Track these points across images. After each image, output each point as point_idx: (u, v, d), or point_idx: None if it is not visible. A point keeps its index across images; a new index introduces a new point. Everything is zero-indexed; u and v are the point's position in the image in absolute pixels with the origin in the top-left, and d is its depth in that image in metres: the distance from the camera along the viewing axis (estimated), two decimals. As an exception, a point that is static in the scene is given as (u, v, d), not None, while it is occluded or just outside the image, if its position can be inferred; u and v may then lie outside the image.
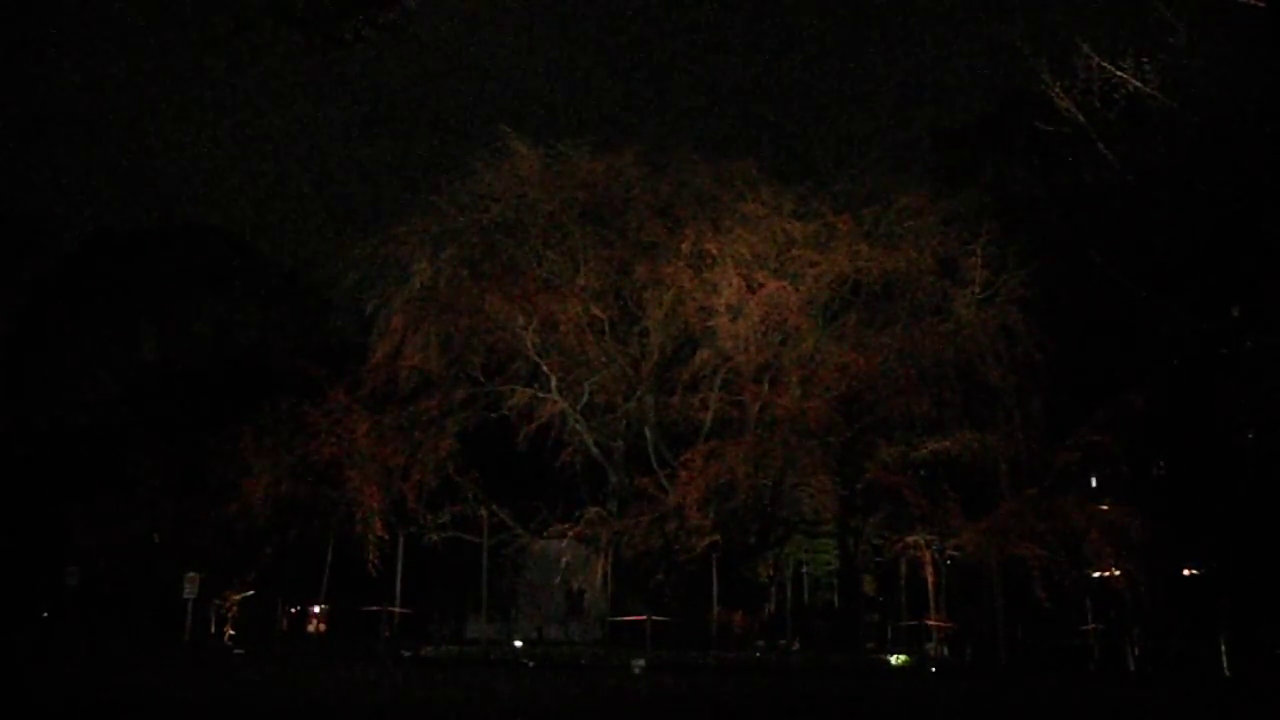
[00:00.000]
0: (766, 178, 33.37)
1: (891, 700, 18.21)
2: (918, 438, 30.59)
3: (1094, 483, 32.00)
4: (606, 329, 33.02)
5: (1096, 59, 20.00)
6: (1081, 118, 21.06)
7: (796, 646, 36.48)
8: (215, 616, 36.44)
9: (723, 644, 31.44)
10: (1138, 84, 19.71)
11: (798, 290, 31.38)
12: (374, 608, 33.33)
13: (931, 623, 30.79)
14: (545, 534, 32.17)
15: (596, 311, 32.45)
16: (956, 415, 30.22)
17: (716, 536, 30.07)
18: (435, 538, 32.15)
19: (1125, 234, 31.06)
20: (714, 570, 30.39)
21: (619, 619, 32.99)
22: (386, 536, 30.00)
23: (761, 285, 31.07)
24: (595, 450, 33.22)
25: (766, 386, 31.15)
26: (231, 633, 36.07)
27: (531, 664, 27.53)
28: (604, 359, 32.57)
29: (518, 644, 33.81)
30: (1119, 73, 19.82)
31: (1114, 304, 30.15)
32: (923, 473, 31.41)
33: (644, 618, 30.08)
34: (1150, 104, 20.16)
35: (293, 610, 43.57)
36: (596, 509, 31.28)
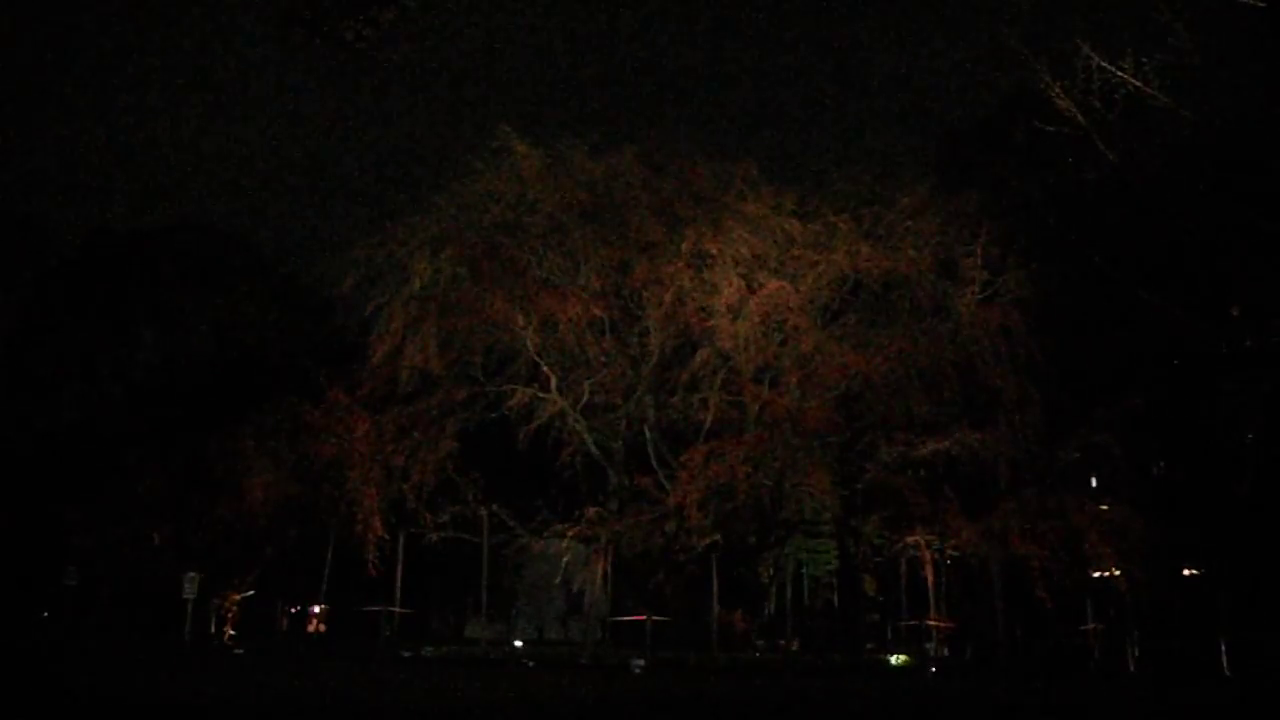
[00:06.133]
0: (766, 178, 33.47)
1: (891, 700, 18.21)
2: (918, 438, 30.58)
3: (1094, 483, 31.98)
4: (606, 329, 33.04)
5: (1096, 59, 19.98)
6: (1081, 118, 21.04)
7: (796, 646, 36.51)
8: (215, 616, 36.41)
9: (723, 644, 31.45)
10: (1138, 84, 19.69)
11: (798, 290, 31.39)
12: (374, 608, 33.35)
13: (931, 623, 30.81)
14: (545, 534, 32.20)
15: (596, 311, 32.46)
16: (956, 415, 30.22)
17: (716, 536, 30.10)
18: (435, 538, 32.17)
19: (1125, 234, 31.06)
20: (714, 570, 30.41)
21: (619, 619, 33.03)
22: (386, 536, 30.05)
23: (761, 285, 31.09)
24: (595, 450, 33.24)
25: (766, 386, 31.16)
26: (231, 633, 36.04)
27: (531, 664, 27.53)
28: (604, 359, 32.59)
29: (518, 644, 33.83)
30: (1119, 73, 19.80)
31: (1114, 304, 30.15)
32: (923, 473, 31.40)
33: (644, 618, 30.10)
34: (1150, 104, 20.15)
35: (293, 610, 43.58)
36: (596, 509, 31.30)
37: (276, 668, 23.39)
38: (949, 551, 29.84)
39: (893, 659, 30.34)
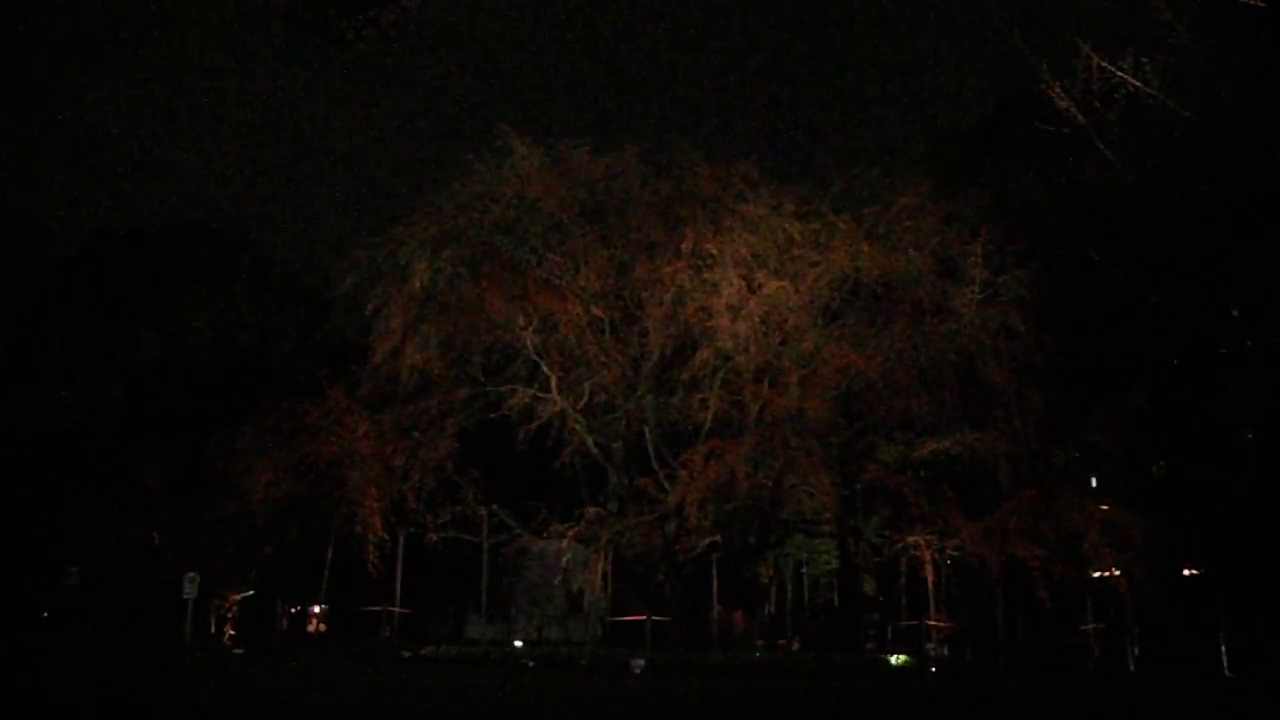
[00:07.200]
0: (766, 178, 33.37)
1: (891, 700, 18.22)
2: (918, 438, 30.59)
3: (1094, 483, 31.97)
4: (606, 329, 33.03)
5: (1096, 59, 19.99)
6: (1081, 118, 21.05)
7: (796, 646, 36.53)
8: (215, 616, 36.44)
9: (723, 644, 31.47)
10: (1138, 84, 19.70)
11: (798, 290, 31.37)
12: (374, 608, 33.37)
13: (931, 623, 30.81)
14: (545, 534, 32.17)
15: (596, 311, 32.46)
16: (956, 415, 30.21)
17: (716, 536, 30.10)
18: (435, 538, 32.15)
19: (1125, 234, 31.03)
20: (714, 570, 30.41)
21: (619, 619, 33.04)
22: (386, 536, 30.02)
23: (761, 285, 31.07)
24: (595, 450, 33.22)
25: (766, 386, 31.14)
26: (231, 633, 36.07)
27: (531, 664, 27.53)
28: (604, 359, 32.57)
29: (518, 644, 33.83)
30: (1119, 73, 19.82)
31: (1114, 304, 30.15)
32: (923, 473, 31.39)
33: (644, 618, 30.12)
34: (1150, 104, 20.15)
35: (293, 610, 43.57)
36: (596, 509, 31.30)
37: (277, 668, 23.40)
38: (949, 551, 29.83)
39: (893, 659, 30.34)
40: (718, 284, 31.05)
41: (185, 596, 32.23)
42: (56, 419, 43.90)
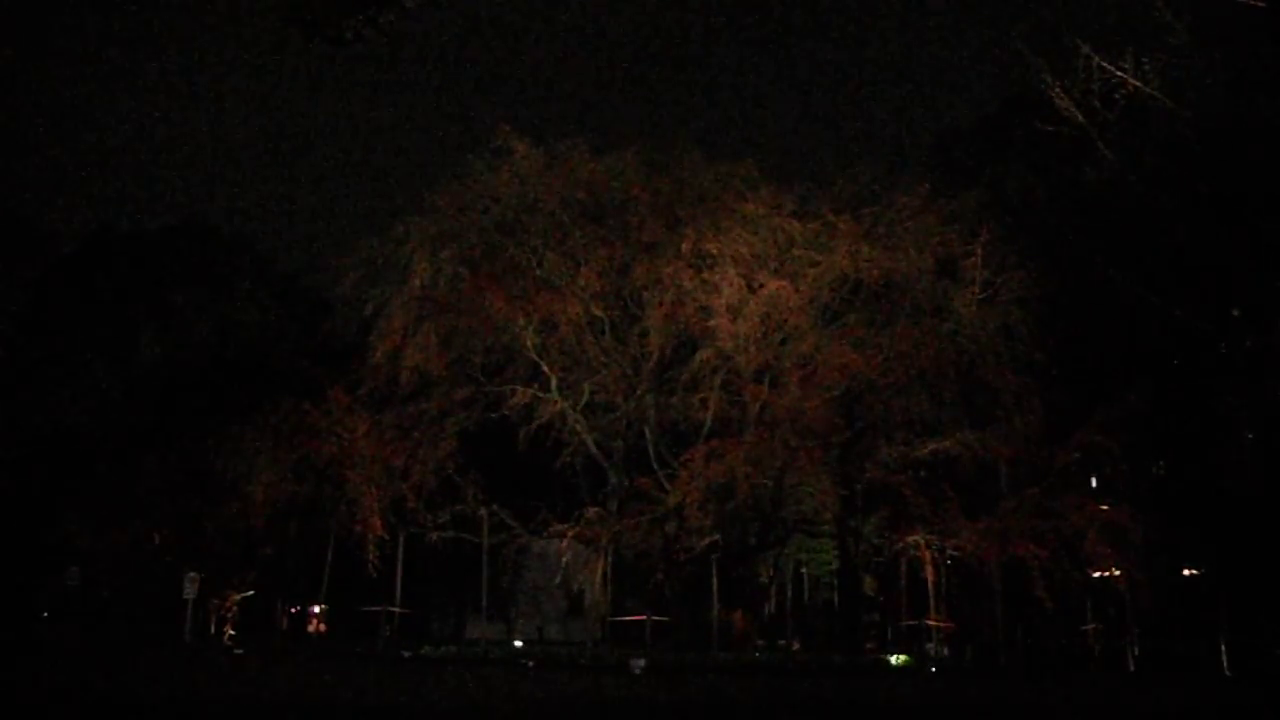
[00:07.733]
0: (766, 178, 33.41)
1: (891, 700, 18.22)
2: (918, 438, 30.56)
3: (1094, 483, 31.95)
4: (606, 329, 33.04)
5: (1096, 59, 20.01)
6: (1081, 118, 21.07)
7: (796, 646, 36.52)
8: (215, 616, 36.44)
9: (723, 644, 31.45)
10: (1138, 84, 19.72)
11: (798, 290, 31.35)
12: (374, 608, 33.37)
13: (931, 623, 30.80)
14: (545, 534, 32.19)
15: (596, 311, 32.46)
16: (956, 415, 30.19)
17: (716, 536, 30.10)
18: (435, 538, 32.18)
19: (1125, 234, 31.03)
20: (714, 570, 30.41)
21: (619, 619, 33.02)
22: (386, 536, 30.05)
23: (761, 285, 31.06)
24: (595, 450, 33.23)
25: (766, 386, 31.13)
26: (231, 633, 36.07)
27: (531, 664, 27.52)
28: (604, 359, 32.58)
29: (518, 644, 33.84)
30: (1119, 73, 19.83)
31: (1114, 304, 30.14)
32: (923, 473, 31.39)
33: (644, 618, 30.12)
34: (1150, 104, 20.17)
35: (293, 610, 43.58)
36: (596, 509, 31.30)
37: (276, 668, 23.39)
38: (949, 551, 29.81)
39: (893, 659, 30.33)
40: (718, 284, 31.03)
41: (185, 596, 32.26)
42: (56, 419, 43.86)
